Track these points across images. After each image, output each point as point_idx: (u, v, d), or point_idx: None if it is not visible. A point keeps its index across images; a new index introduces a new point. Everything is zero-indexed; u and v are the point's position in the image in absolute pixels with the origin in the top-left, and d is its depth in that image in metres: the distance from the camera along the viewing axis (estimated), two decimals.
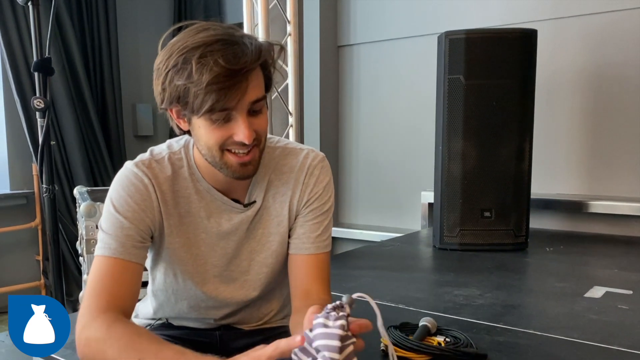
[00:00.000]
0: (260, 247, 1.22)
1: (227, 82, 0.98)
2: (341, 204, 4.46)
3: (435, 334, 1.67)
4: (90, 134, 4.42)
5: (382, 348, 1.62)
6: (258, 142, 1.09)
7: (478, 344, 1.64)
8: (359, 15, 4.25)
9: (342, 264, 2.83)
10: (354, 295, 0.87)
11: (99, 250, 1.08)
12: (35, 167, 4.08)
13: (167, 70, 1.02)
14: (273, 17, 3.00)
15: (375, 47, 4.22)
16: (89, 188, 1.82)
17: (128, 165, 1.15)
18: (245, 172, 1.10)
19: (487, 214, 2.98)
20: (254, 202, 1.20)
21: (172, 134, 1.21)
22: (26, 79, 3.98)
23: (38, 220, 4.17)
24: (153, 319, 1.32)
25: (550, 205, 3.46)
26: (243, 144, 1.05)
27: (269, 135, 1.22)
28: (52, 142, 2.18)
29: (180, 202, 1.16)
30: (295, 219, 1.22)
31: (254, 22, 2.98)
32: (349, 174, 4.43)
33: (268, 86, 1.11)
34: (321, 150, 1.30)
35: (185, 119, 1.09)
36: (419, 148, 3.89)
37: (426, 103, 3.48)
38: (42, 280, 4.23)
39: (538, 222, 3.37)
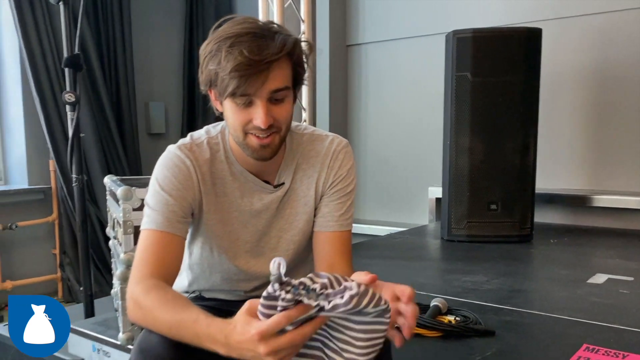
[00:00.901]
0: (288, 226, 1.34)
1: (248, 70, 1.10)
2: None
3: (446, 314, 1.78)
4: (105, 130, 4.52)
5: (395, 326, 1.73)
6: (277, 129, 1.20)
7: (486, 323, 1.74)
8: (368, 15, 4.35)
9: (352, 254, 2.93)
10: (273, 262, 0.86)
11: (145, 224, 1.20)
12: (52, 163, 4.18)
13: (205, 56, 1.15)
14: (287, 16, 3.11)
15: (384, 46, 4.32)
16: (118, 177, 1.93)
17: (171, 148, 1.27)
18: (264, 153, 1.21)
19: (493, 206, 3.08)
20: (283, 183, 1.32)
21: (183, 133, 1.32)
22: (45, 77, 4.07)
23: (55, 214, 4.27)
24: (187, 292, 1.43)
25: (554, 200, 3.56)
26: (261, 129, 1.16)
27: (296, 123, 1.33)
28: (82, 135, 2.30)
29: (217, 183, 1.28)
30: (320, 199, 1.33)
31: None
32: (357, 170, 4.51)
33: (298, 80, 1.22)
34: None
35: (219, 101, 1.21)
36: (427, 144, 3.99)
37: (433, 100, 3.59)
38: (59, 274, 4.33)
39: (543, 216, 3.47)
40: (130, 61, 4.72)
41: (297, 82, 1.22)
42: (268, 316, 0.89)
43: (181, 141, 1.28)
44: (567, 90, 3.60)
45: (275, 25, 1.18)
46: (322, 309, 0.88)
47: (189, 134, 1.30)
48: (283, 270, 0.86)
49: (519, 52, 3.01)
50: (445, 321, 1.72)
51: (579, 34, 3.55)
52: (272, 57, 1.11)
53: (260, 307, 0.89)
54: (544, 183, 3.39)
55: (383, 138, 4.41)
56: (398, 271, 2.55)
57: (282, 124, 1.20)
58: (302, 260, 1.39)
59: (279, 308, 0.88)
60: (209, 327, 0.96)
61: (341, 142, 1.35)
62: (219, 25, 1.16)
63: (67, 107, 2.26)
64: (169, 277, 1.17)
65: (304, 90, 3.23)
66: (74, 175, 2.28)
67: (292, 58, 1.17)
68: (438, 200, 3.54)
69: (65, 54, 2.27)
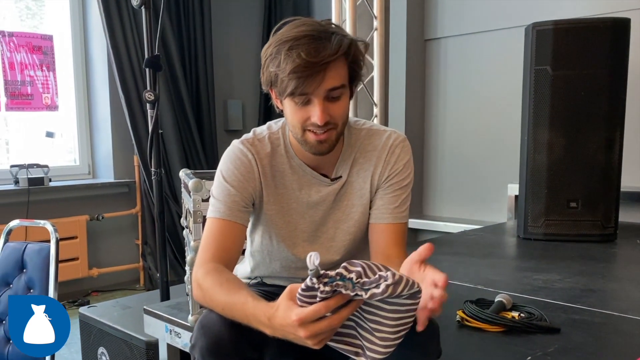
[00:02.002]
0: (345, 217, 1.38)
1: (306, 71, 1.16)
2: (426, 196, 4.50)
3: (510, 310, 1.75)
4: (185, 127, 4.70)
5: (457, 319, 1.72)
6: (334, 125, 1.25)
7: (553, 320, 1.70)
8: (446, 9, 4.28)
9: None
10: (309, 257, 0.90)
11: (210, 213, 1.28)
12: (136, 158, 4.40)
13: (266, 58, 1.23)
14: (360, 13, 3.12)
15: (462, 40, 4.24)
16: (192, 171, 2.03)
17: (235, 143, 1.35)
18: (321, 148, 1.26)
19: (573, 204, 2.96)
20: (340, 177, 1.36)
21: None
22: (130, 77, 4.27)
23: (138, 207, 4.49)
24: (249, 278, 1.51)
25: None
26: (318, 125, 1.21)
27: (355, 118, 1.38)
28: (161, 131, 2.43)
29: (277, 175, 1.34)
30: (376, 193, 1.37)
31: (342, 19, 3.12)
32: (434, 166, 4.46)
33: (354, 77, 1.26)
34: None
35: (279, 100, 1.27)
36: (506, 140, 3.88)
37: (513, 95, 3.48)
38: (141, 263, 4.55)
39: (630, 215, 3.28)
40: (209, 60, 4.88)
41: (353, 80, 1.26)
42: (307, 304, 0.94)
43: (245, 136, 1.36)
44: None
45: (332, 26, 1.23)
46: (358, 297, 0.91)
47: (252, 130, 1.38)
48: (317, 261, 0.89)
49: (604, 44, 2.86)
50: (509, 317, 1.69)
51: None
52: (328, 59, 1.17)
53: (299, 296, 0.94)
54: (632, 181, 3.22)
55: (461, 133, 4.32)
56: (467, 268, 2.51)
57: (338, 120, 1.25)
58: (359, 250, 1.42)
59: (317, 299, 0.92)
60: (255, 309, 1.03)
61: (398, 137, 1.38)
62: (279, 28, 1.22)
63: (148, 105, 2.40)
64: (229, 261, 1.25)
65: (375, 85, 3.23)
66: (153, 169, 2.42)
67: (347, 57, 1.22)
68: (517, 197, 3.44)
69: (146, 55, 2.40)
